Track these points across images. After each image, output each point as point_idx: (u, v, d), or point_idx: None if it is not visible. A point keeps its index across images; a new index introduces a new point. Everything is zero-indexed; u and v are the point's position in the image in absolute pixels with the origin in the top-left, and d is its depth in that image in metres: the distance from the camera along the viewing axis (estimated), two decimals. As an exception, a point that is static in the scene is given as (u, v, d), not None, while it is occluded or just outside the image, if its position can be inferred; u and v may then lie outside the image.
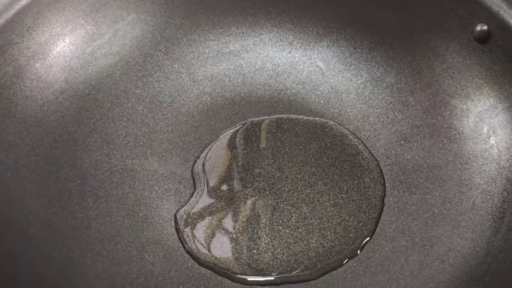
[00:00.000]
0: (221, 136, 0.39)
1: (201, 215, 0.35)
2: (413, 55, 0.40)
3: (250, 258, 0.33)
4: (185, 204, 0.35)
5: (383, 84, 0.41)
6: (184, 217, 0.35)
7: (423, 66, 0.40)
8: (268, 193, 0.36)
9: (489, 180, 0.34)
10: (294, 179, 0.37)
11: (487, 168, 0.34)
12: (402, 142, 0.38)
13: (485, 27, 0.36)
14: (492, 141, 0.35)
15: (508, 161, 0.34)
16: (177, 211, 0.35)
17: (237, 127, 0.40)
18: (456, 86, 0.38)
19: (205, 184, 0.37)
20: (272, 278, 0.33)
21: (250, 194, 0.36)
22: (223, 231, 0.34)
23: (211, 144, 0.39)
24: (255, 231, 0.34)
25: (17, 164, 0.33)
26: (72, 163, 0.36)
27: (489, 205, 0.33)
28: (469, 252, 0.31)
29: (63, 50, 0.39)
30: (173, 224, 0.34)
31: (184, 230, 0.34)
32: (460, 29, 0.37)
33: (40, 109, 0.37)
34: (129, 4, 0.41)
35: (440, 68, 0.39)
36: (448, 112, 0.38)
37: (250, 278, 0.33)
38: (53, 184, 0.34)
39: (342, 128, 0.39)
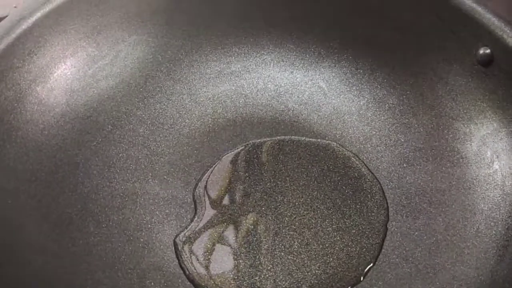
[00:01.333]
0: (222, 158, 0.39)
1: (201, 240, 0.35)
2: (415, 77, 0.40)
3: (252, 286, 0.33)
4: (185, 228, 0.35)
5: (386, 106, 0.40)
6: (184, 242, 0.34)
7: (426, 88, 0.40)
8: (270, 218, 0.36)
9: (493, 206, 0.34)
10: (296, 203, 0.37)
11: (491, 194, 0.34)
12: (405, 165, 0.38)
13: (488, 51, 0.36)
14: (495, 166, 0.35)
15: (513, 187, 0.34)
16: (177, 236, 0.35)
17: (239, 149, 0.40)
18: (459, 109, 0.38)
19: (206, 208, 0.36)
20: (274, 305, 0.33)
21: (251, 219, 0.36)
22: (224, 257, 0.34)
23: (213, 167, 0.39)
24: (257, 257, 0.34)
25: (17, 190, 0.33)
26: (73, 188, 0.36)
27: (493, 232, 0.33)
28: (474, 280, 0.31)
29: (64, 73, 0.39)
30: (174, 249, 0.34)
31: (185, 255, 0.34)
32: (463, 51, 0.37)
33: (41, 133, 0.36)
34: (130, 26, 0.41)
35: (443, 91, 0.39)
36: (451, 135, 0.38)
37: (252, 305, 0.32)
38: (53, 210, 0.34)
39: (345, 150, 0.39)
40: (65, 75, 0.39)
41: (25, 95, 0.36)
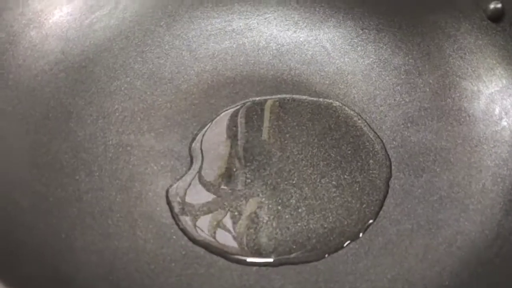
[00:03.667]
0: (221, 115, 0.38)
1: (196, 192, 0.34)
2: (422, 36, 0.39)
3: (247, 237, 0.32)
4: (179, 180, 0.34)
5: (391, 66, 0.39)
6: (177, 193, 0.33)
7: (433, 47, 0.38)
8: (268, 172, 0.35)
9: (500, 162, 0.32)
10: (296, 160, 0.35)
11: (498, 150, 0.33)
12: (409, 125, 0.37)
13: (499, 5, 0.35)
14: (504, 122, 0.34)
15: (521, 142, 0.32)
16: (170, 187, 0.33)
17: (238, 106, 0.38)
18: (467, 67, 0.37)
19: (202, 162, 0.35)
20: (270, 259, 0.31)
21: (249, 173, 0.35)
22: (219, 210, 0.33)
23: (211, 122, 0.37)
24: (253, 210, 0.33)
25: (5, 131, 0.32)
26: (65, 135, 0.34)
27: (500, 187, 0.31)
28: (478, 235, 0.30)
29: (60, 20, 0.37)
30: (166, 200, 0.33)
31: (178, 206, 0.33)
32: (473, 7, 0.36)
33: (34, 79, 0.35)
34: (131, -23, 0.40)
35: (451, 49, 0.38)
36: (458, 94, 0.37)
37: (247, 259, 0.31)
38: (44, 154, 0.33)
39: (347, 109, 0.38)
40: (61, 22, 0.38)
41: (19, 38, 0.35)
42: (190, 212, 0.33)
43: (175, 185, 0.34)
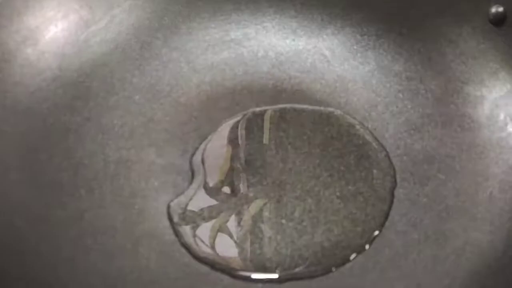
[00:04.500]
0: (221, 127, 0.37)
1: (198, 207, 0.33)
2: (423, 41, 0.38)
3: (252, 253, 0.31)
4: (181, 195, 0.33)
5: (392, 72, 0.39)
6: (179, 209, 0.33)
7: (434, 52, 0.38)
8: (270, 185, 0.34)
9: (508, 169, 0.32)
10: (298, 171, 0.35)
11: (505, 157, 0.32)
12: (412, 132, 0.36)
13: (501, 9, 0.34)
14: (509, 128, 0.33)
15: (527, 149, 0.32)
16: (171, 202, 0.33)
17: (239, 118, 0.38)
18: (470, 72, 0.36)
19: (204, 176, 0.35)
20: (275, 275, 0.31)
21: (251, 186, 0.34)
22: (221, 225, 0.32)
23: (211, 135, 0.37)
24: (257, 224, 0.32)
25: (3, 152, 0.31)
26: (64, 153, 0.34)
27: (508, 196, 0.31)
28: (487, 245, 0.29)
29: (56, 36, 0.37)
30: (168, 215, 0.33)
31: (180, 222, 0.32)
32: (474, 11, 0.36)
33: (31, 97, 0.35)
34: (126, -10, 0.39)
35: (453, 55, 0.37)
36: (461, 100, 0.36)
37: (252, 275, 0.31)
38: (43, 174, 0.32)
39: (349, 117, 0.37)
40: (57, 38, 0.37)
41: (14, 56, 0.35)
42: (192, 227, 0.32)
43: (176, 200, 0.34)
